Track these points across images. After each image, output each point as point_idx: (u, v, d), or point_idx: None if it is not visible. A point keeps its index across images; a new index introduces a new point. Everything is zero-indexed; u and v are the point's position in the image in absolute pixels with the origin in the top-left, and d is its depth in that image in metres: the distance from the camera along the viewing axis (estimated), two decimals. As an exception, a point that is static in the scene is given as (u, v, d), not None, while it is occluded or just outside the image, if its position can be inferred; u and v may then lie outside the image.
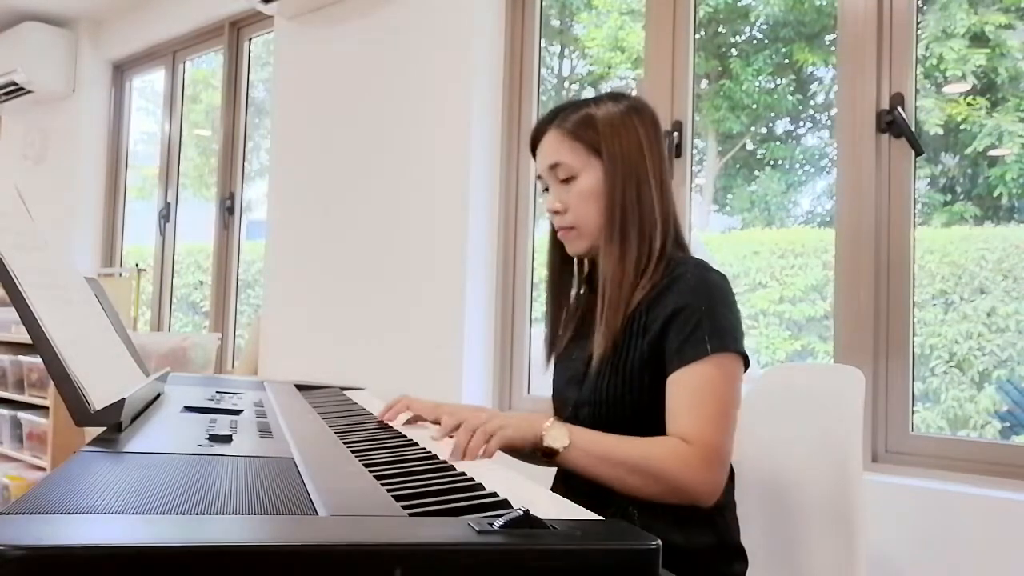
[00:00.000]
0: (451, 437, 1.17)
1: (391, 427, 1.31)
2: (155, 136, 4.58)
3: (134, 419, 1.10)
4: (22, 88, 4.54)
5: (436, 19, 2.79)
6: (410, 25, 2.87)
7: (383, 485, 0.84)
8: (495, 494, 0.81)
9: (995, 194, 3.20)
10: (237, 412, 1.28)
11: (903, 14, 1.94)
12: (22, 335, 3.07)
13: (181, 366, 2.99)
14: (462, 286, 2.63)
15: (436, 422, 1.29)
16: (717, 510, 1.26)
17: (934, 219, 3.42)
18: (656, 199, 1.29)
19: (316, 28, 3.24)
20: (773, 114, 4.27)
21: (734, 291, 1.29)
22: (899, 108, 1.91)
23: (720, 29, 4.33)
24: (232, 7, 3.71)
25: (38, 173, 4.85)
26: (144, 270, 4.12)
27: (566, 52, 4.63)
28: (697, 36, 2.37)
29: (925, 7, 2.95)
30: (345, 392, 1.83)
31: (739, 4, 4.24)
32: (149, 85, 4.77)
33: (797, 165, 4.33)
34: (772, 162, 4.36)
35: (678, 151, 2.28)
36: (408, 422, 1.34)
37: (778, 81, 4.18)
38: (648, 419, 1.23)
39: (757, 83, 4.14)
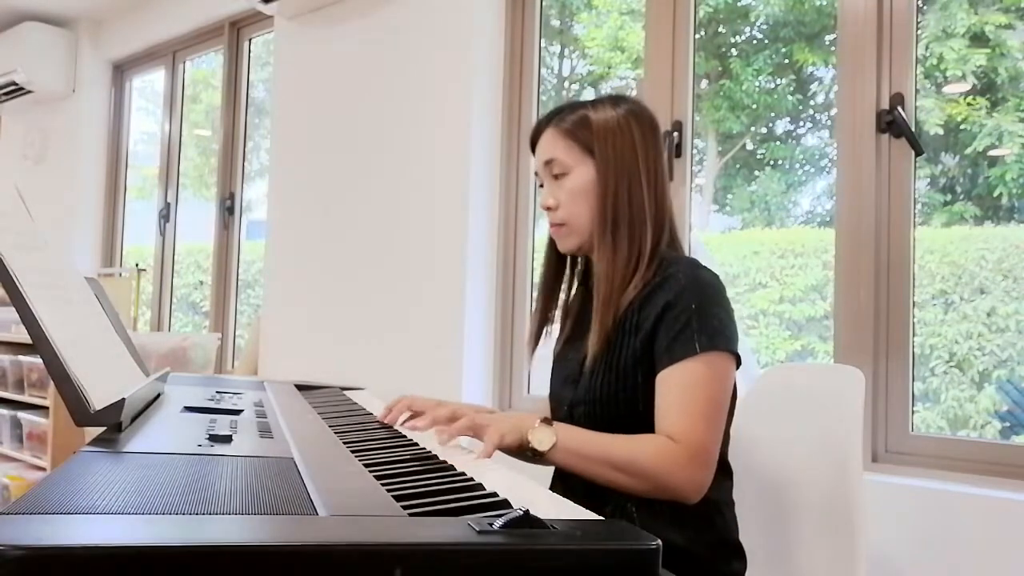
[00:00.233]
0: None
1: (391, 427, 1.31)
2: (155, 136, 4.58)
3: (134, 419, 1.10)
4: (22, 88, 4.54)
5: (436, 19, 2.79)
6: (410, 25, 2.87)
7: (383, 485, 0.84)
8: (495, 494, 0.81)
9: (995, 194, 3.20)
10: (237, 412, 1.28)
11: (903, 14, 1.94)
12: (22, 335, 3.07)
13: (181, 366, 2.99)
14: (462, 286, 2.63)
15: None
16: (716, 509, 1.27)
17: (934, 219, 3.42)
18: (648, 200, 1.32)
19: (316, 28, 3.24)
20: (773, 114, 4.27)
21: (727, 290, 1.30)
22: (899, 108, 1.91)
23: (720, 29, 4.33)
24: (232, 7, 3.71)
25: (38, 173, 4.85)
26: (144, 270, 4.12)
27: (566, 52, 4.63)
28: (697, 36, 2.37)
29: (925, 7, 2.95)
30: (345, 392, 1.83)
31: (739, 4, 4.24)
32: (149, 85, 4.77)
33: (797, 165, 4.33)
34: (772, 162, 4.36)
35: (678, 151, 2.28)
36: (410, 417, 1.35)
37: (778, 81, 4.18)
38: (642, 417, 1.25)
39: (757, 83, 4.14)
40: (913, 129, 1.91)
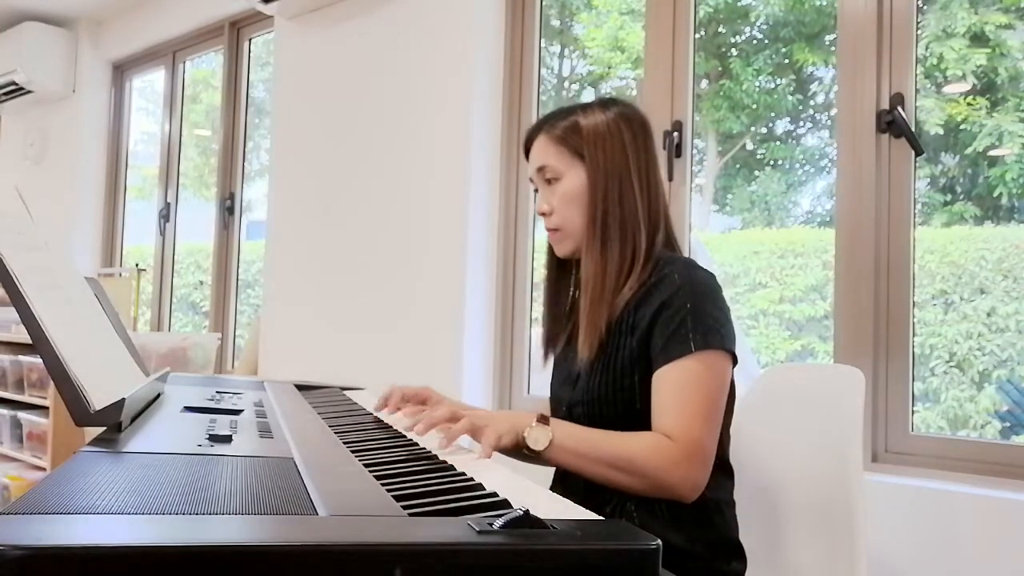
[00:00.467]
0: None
1: (391, 427, 1.31)
2: (155, 136, 4.58)
3: (134, 419, 1.10)
4: (22, 88, 4.54)
5: (436, 19, 2.79)
6: (410, 25, 2.87)
7: (383, 485, 0.84)
8: (495, 494, 0.81)
9: (995, 194, 3.20)
10: (237, 412, 1.28)
11: (903, 14, 1.94)
12: (22, 335, 3.07)
13: (181, 366, 2.99)
14: (462, 286, 2.63)
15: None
16: (716, 508, 1.27)
17: (934, 219, 3.42)
18: (641, 201, 1.32)
19: (316, 28, 3.24)
20: (773, 114, 4.27)
21: (726, 290, 1.30)
22: (899, 108, 1.91)
23: (720, 29, 4.33)
24: (232, 7, 3.71)
25: (38, 173, 4.85)
26: (144, 270, 4.12)
27: (566, 52, 4.63)
28: (697, 36, 2.37)
29: (925, 7, 2.95)
30: (345, 392, 1.83)
31: (739, 4, 4.24)
32: (149, 85, 4.77)
33: (797, 165, 4.33)
34: (772, 162, 4.36)
35: (678, 151, 2.28)
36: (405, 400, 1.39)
37: (778, 81, 4.18)
38: (639, 416, 1.25)
39: (757, 83, 4.14)
40: (913, 129, 1.91)
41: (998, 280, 3.20)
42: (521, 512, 0.66)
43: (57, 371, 0.91)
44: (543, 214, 1.38)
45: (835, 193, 2.04)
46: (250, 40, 3.91)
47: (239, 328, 3.90)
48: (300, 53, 3.32)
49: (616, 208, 1.31)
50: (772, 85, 4.18)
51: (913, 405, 1.91)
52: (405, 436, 1.22)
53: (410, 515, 0.72)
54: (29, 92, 4.56)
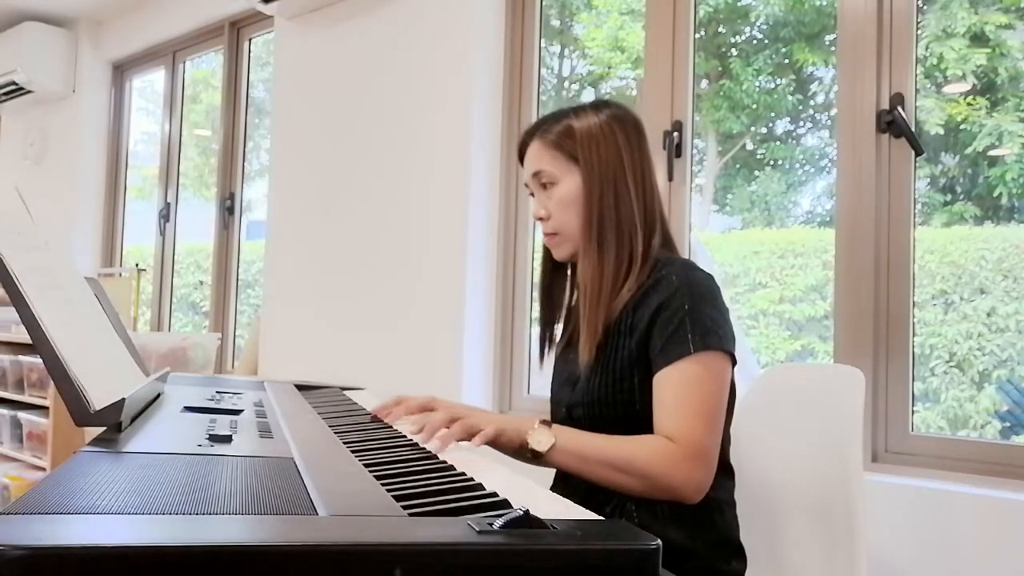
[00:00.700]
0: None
1: (391, 427, 1.31)
2: (155, 136, 4.58)
3: (134, 419, 1.10)
4: (22, 88, 4.54)
5: (436, 19, 2.79)
6: (410, 25, 2.87)
7: (383, 485, 0.84)
8: (495, 494, 0.81)
9: (995, 194, 3.20)
10: (237, 412, 1.28)
11: (903, 14, 1.94)
12: (22, 335, 3.07)
13: (181, 366, 2.99)
14: (462, 286, 2.63)
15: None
16: (716, 508, 1.27)
17: (934, 219, 3.42)
18: (637, 203, 1.32)
19: (316, 28, 3.24)
20: (773, 114, 4.27)
21: (726, 290, 1.30)
22: (899, 108, 1.91)
23: (720, 29, 4.33)
24: (232, 7, 3.71)
25: (38, 173, 4.85)
26: (144, 270, 4.12)
27: (566, 52, 4.63)
28: (697, 36, 2.37)
29: (925, 7, 2.95)
30: (345, 392, 1.83)
31: (739, 4, 4.24)
32: (149, 85, 4.77)
33: (797, 165, 4.33)
34: (772, 162, 4.36)
35: (678, 151, 2.28)
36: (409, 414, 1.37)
37: (778, 81, 4.18)
38: (639, 418, 1.25)
39: (757, 83, 4.14)
40: (913, 129, 1.91)
41: (998, 280, 3.20)
42: (521, 512, 0.66)
43: (57, 371, 0.91)
44: (540, 219, 1.38)
45: (835, 193, 2.04)
46: (250, 40, 3.91)
47: (239, 328, 3.90)
48: (300, 53, 3.32)
49: (612, 211, 1.31)
50: (772, 85, 4.18)
51: (913, 405, 1.91)
52: (405, 436, 1.22)
53: (410, 515, 0.72)
54: (29, 92, 4.56)
